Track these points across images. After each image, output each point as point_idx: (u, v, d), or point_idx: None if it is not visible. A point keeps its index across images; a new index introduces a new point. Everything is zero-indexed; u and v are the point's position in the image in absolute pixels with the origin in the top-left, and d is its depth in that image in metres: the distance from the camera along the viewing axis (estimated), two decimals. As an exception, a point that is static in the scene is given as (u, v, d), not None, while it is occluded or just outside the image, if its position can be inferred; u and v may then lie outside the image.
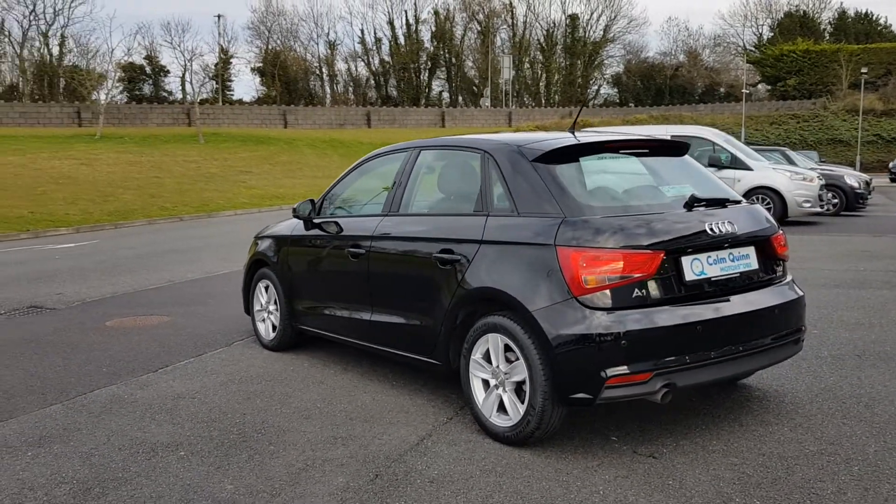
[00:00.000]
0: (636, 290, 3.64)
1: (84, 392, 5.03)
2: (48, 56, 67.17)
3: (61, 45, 67.18)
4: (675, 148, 4.60)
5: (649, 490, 3.38)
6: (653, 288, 3.67)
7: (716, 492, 3.34)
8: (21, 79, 66.56)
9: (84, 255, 12.74)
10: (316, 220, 5.44)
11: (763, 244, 4.14)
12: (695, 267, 3.81)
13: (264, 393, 4.91)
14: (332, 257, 5.30)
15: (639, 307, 3.63)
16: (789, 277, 4.36)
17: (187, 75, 65.53)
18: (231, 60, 78.37)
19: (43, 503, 3.40)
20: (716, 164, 14.94)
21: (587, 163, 4.15)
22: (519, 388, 3.88)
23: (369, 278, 4.86)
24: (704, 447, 3.83)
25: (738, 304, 3.89)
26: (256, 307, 6.23)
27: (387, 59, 79.44)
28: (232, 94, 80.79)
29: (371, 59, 79.99)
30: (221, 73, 74.16)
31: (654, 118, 50.26)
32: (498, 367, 3.96)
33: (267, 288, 6.08)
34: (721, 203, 4.16)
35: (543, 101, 75.43)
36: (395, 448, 3.92)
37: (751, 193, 14.80)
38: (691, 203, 3.98)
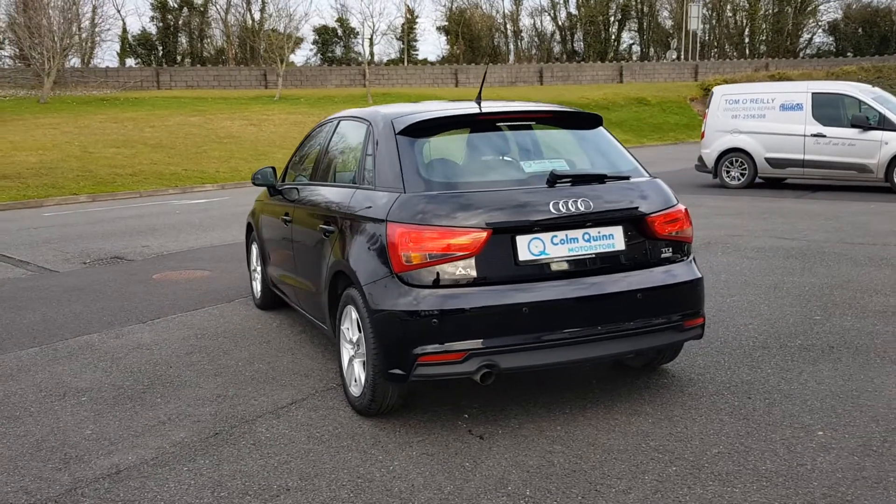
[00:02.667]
0: (460, 268, 3.57)
1: (67, 338, 5.66)
2: (250, 21, 72.17)
3: (262, 10, 71.98)
4: (583, 119, 4.37)
5: (444, 469, 3.36)
6: (480, 266, 3.58)
7: (499, 478, 3.26)
8: (226, 43, 72.19)
9: (201, 211, 13.88)
10: (277, 187, 5.70)
11: (636, 224, 3.88)
12: (533, 247, 3.66)
13: (208, 348, 5.28)
14: (276, 225, 5.55)
15: (461, 286, 3.57)
16: (685, 260, 4.05)
17: (374, 37, 67.81)
18: (416, 21, 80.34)
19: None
20: (860, 124, 13.58)
21: (452, 137, 4.08)
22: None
23: (293, 245, 5.07)
24: (541, 433, 3.71)
25: (584, 286, 3.69)
26: (251, 267, 6.64)
27: (574, 12, 77.75)
28: (416, 55, 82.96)
29: (557, 14, 78.70)
30: (407, 33, 76.25)
31: (864, 70, 45.42)
32: (352, 338, 4.05)
33: (254, 250, 6.46)
34: (595, 180, 3.93)
35: (748, 52, 70.50)
36: (258, 410, 4.13)
37: (896, 160, 13.28)
38: (553, 180, 3.80)
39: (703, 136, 15.19)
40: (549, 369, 4.22)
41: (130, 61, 69.53)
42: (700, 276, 4.06)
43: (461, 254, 3.55)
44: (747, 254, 7.97)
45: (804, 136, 14.01)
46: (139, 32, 72.13)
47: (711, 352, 4.84)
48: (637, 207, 3.89)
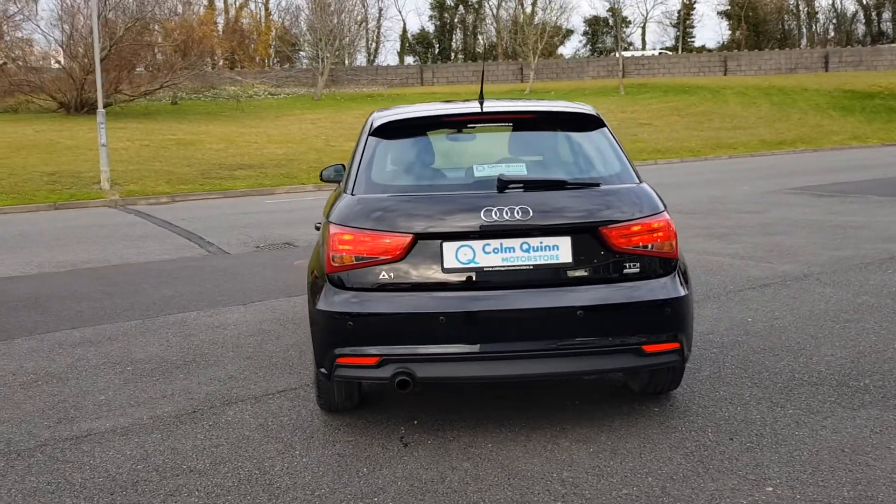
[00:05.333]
0: (382, 272, 3.54)
1: (172, 313, 6.38)
2: (521, 14, 73.92)
3: (534, 3, 73.40)
4: (578, 121, 4.08)
5: (341, 471, 3.39)
6: (402, 272, 3.53)
7: (380, 486, 3.22)
8: (497, 38, 74.67)
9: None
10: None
11: (591, 235, 3.55)
12: (461, 255, 3.51)
13: (267, 332, 5.68)
14: None
15: (382, 290, 3.54)
16: (663, 277, 3.62)
17: (647, 25, 66.15)
18: (694, 6, 76.96)
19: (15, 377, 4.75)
20: None
21: (419, 139, 4.01)
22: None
23: None
24: (466, 449, 3.57)
25: (513, 299, 3.47)
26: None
27: (882, -11, 69.67)
28: (692, 42, 79.54)
29: (863, -10, 70.98)
30: (683, 19, 73.40)
31: None
32: (320, 334, 4.16)
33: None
34: (552, 185, 3.66)
35: None
36: (246, 394, 4.40)
37: None
38: (502, 185, 3.61)
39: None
40: (477, 383, 4.03)
41: (409, 59, 74.55)
42: (679, 295, 3.61)
43: (385, 258, 3.52)
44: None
45: None
46: (418, 31, 76.87)
47: (747, 384, 4.26)
48: (591, 217, 3.56)
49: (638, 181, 3.83)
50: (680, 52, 64.71)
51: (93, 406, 4.30)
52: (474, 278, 3.52)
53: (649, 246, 3.61)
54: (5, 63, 31.01)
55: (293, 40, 55.12)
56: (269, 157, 20.98)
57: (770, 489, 3.10)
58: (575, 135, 4.10)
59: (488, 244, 3.52)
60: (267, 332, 5.68)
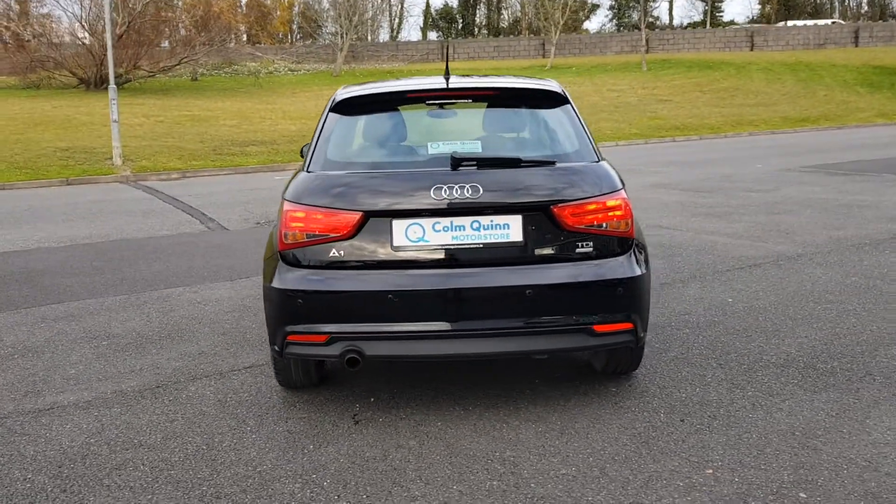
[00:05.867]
0: (333, 250, 3.53)
1: (158, 289, 6.43)
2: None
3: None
4: (541, 97, 4.03)
5: (286, 447, 3.41)
6: (353, 249, 3.52)
7: (322, 463, 3.24)
8: (521, 13, 73.94)
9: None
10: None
11: (543, 214, 3.50)
12: (411, 233, 3.49)
13: (249, 308, 5.70)
14: None
15: (333, 268, 3.54)
16: (618, 257, 3.58)
17: None
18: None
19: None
20: None
21: (378, 115, 3.99)
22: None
23: None
24: (415, 427, 3.58)
25: (461, 278, 3.45)
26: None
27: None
28: (721, 16, 78.14)
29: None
30: (711, -7, 72.12)
31: None
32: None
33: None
34: (506, 163, 3.62)
35: None
36: (210, 370, 4.42)
37: None
38: (455, 163, 3.58)
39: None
40: (427, 361, 4.06)
41: (432, 34, 74.11)
42: (633, 275, 3.56)
43: (334, 235, 3.51)
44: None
45: None
46: (441, 6, 76.23)
47: (731, 368, 4.22)
48: (543, 196, 3.51)
49: (597, 159, 3.78)
50: (707, 27, 63.62)
51: (61, 380, 4.36)
52: (424, 256, 3.50)
53: (604, 225, 3.56)
54: (29, 40, 31.25)
55: (314, 16, 54.95)
56: (283, 133, 21.01)
57: (710, 471, 3.07)
58: (537, 112, 4.05)
59: (438, 222, 3.49)
60: (247, 308, 5.71)
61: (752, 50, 51.39)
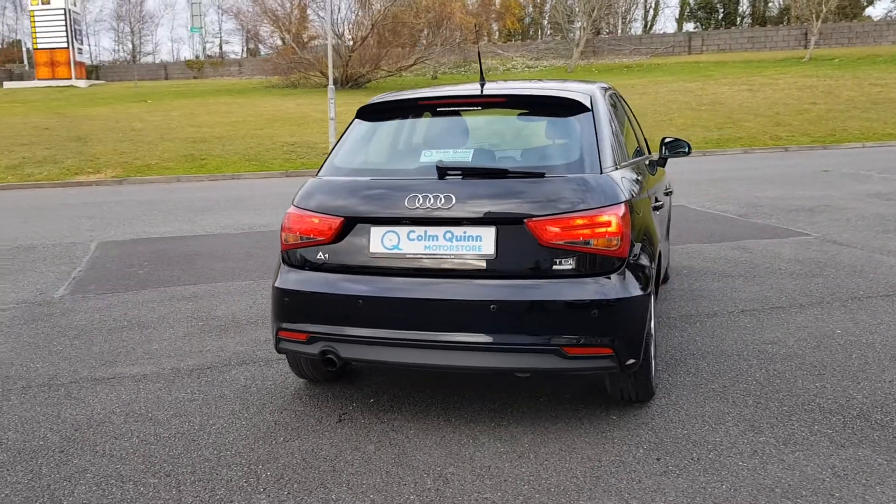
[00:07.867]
0: (319, 252, 3.67)
1: (198, 284, 6.78)
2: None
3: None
4: (558, 105, 3.84)
5: (264, 438, 3.60)
6: (335, 253, 3.63)
7: (286, 462, 3.39)
8: (792, 1, 68.46)
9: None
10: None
11: (519, 227, 3.35)
12: (387, 240, 3.52)
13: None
14: None
15: (318, 270, 3.67)
16: (602, 277, 3.33)
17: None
18: None
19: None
20: None
21: (394, 122, 4.05)
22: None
23: None
24: (395, 428, 3.60)
25: (426, 288, 3.41)
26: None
27: None
28: None
29: None
30: None
31: None
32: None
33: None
34: (493, 174, 3.52)
35: None
36: (229, 360, 4.70)
37: None
38: (441, 173, 3.55)
39: None
40: (399, 368, 4.07)
41: (689, 25, 71.03)
42: (613, 298, 3.30)
43: (319, 239, 3.65)
44: None
45: None
46: (703, -4, 72.81)
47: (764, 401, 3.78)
48: (518, 209, 3.36)
49: (601, 171, 3.53)
50: None
51: (140, 354, 4.92)
52: (397, 264, 3.51)
53: (590, 242, 3.33)
54: (290, 46, 34.65)
55: (567, 11, 55.04)
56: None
57: (639, 519, 2.78)
58: (549, 120, 3.87)
59: (413, 231, 3.49)
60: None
61: None
